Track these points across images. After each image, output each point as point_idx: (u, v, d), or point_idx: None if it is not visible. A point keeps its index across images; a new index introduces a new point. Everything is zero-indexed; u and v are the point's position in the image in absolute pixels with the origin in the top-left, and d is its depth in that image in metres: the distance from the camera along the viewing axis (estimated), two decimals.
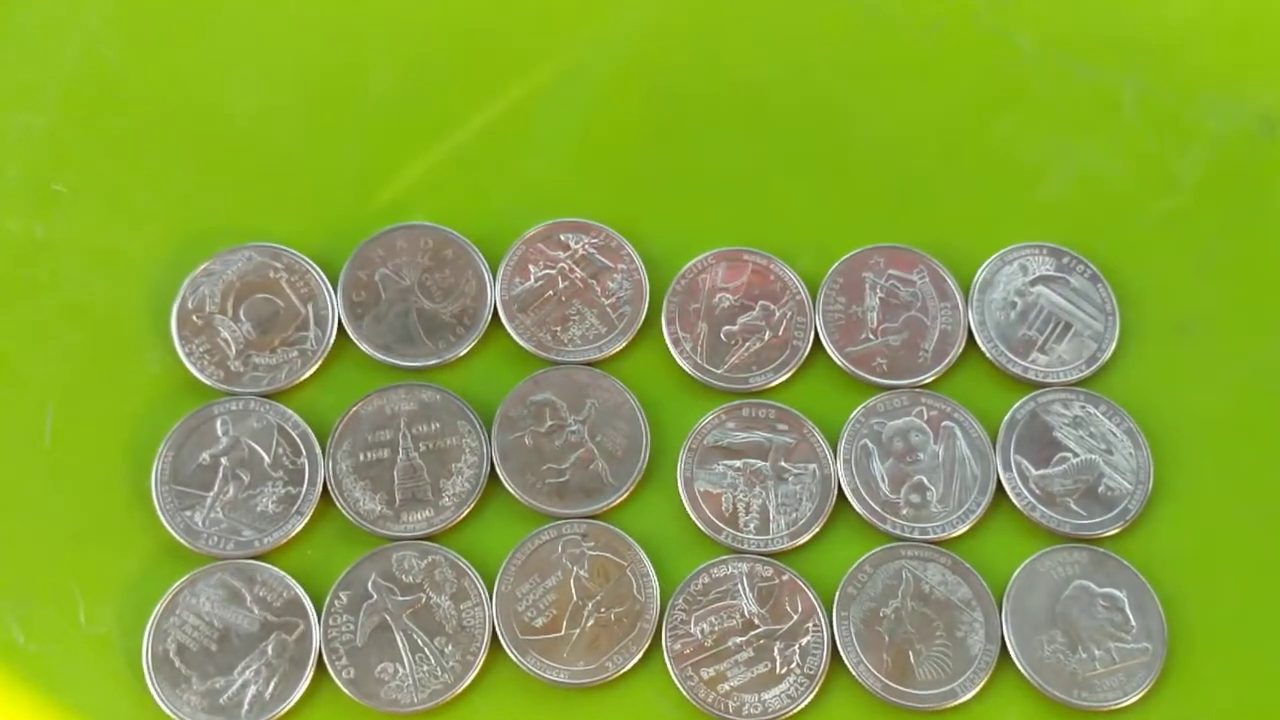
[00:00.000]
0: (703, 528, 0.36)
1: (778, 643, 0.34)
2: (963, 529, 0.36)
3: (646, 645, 0.34)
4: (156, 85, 0.40)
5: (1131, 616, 0.35)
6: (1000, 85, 0.41)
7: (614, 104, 0.41)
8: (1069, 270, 0.39)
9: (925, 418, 0.37)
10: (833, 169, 0.40)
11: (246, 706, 0.33)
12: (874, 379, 0.37)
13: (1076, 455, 0.37)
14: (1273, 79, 0.41)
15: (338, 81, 0.40)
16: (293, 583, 0.35)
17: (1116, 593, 0.35)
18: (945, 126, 0.41)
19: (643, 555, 0.35)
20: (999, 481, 0.36)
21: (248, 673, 0.34)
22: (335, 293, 0.38)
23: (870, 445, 0.37)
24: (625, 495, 0.36)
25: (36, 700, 0.34)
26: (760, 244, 0.39)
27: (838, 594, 0.35)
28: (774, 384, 0.37)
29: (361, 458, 0.36)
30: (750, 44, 0.41)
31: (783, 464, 0.36)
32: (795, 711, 0.34)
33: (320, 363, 0.37)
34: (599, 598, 0.35)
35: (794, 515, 0.36)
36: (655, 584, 0.35)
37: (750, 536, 0.36)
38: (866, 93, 0.41)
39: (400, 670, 0.34)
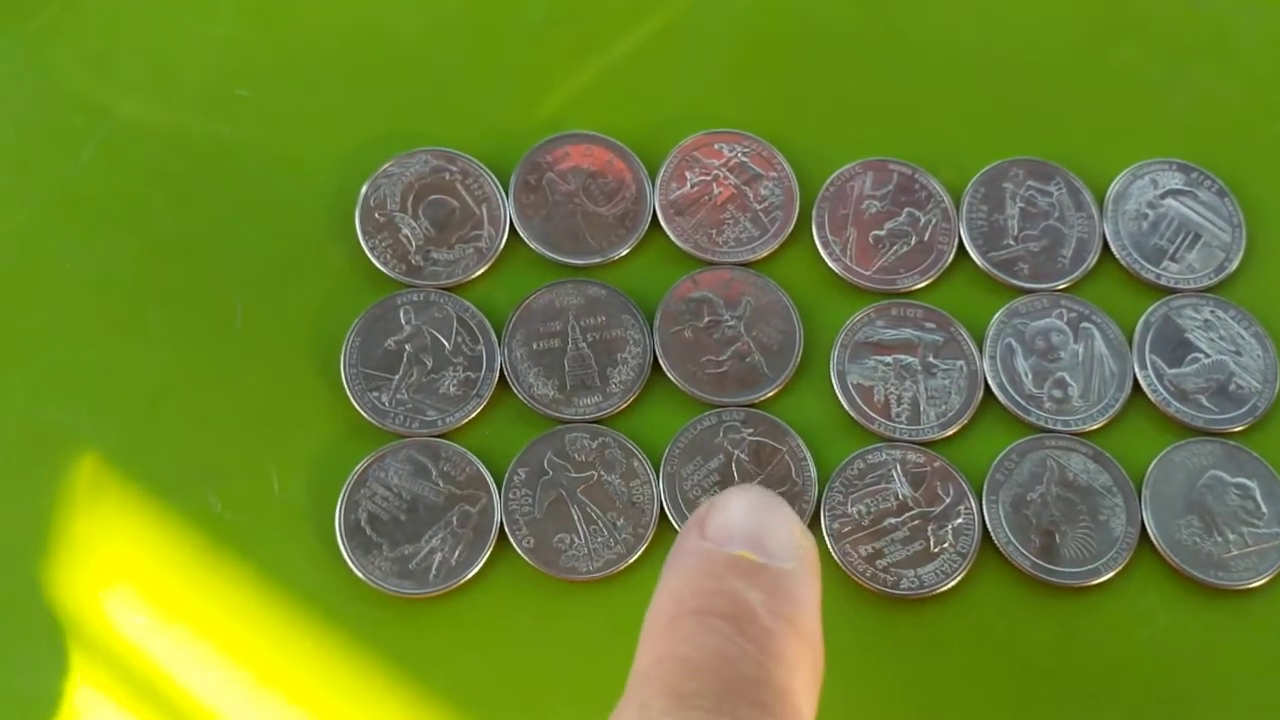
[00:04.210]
0: (856, 417, 0.38)
1: (931, 523, 0.37)
2: (1102, 422, 0.38)
3: (806, 524, 0.36)
4: (332, 5, 0.42)
5: (1263, 504, 0.37)
6: (1127, 11, 0.43)
7: (766, 18, 0.43)
8: (1197, 185, 0.41)
9: (1065, 319, 0.39)
10: (972, 85, 0.42)
11: (434, 571, 0.36)
12: (1016, 282, 0.39)
13: (1208, 356, 0.39)
14: None
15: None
16: (474, 459, 0.37)
17: (1248, 482, 0.37)
18: (1078, 49, 0.43)
19: (800, 441, 0.37)
20: (1135, 379, 0.38)
21: (434, 540, 0.36)
22: (507, 195, 0.40)
23: (1014, 344, 0.39)
24: (780, 386, 0.38)
25: (233, 565, 0.36)
26: (904, 155, 0.41)
27: (986, 480, 0.37)
28: (920, 286, 0.39)
29: (534, 346, 0.38)
30: None
31: (931, 359, 0.38)
32: (949, 586, 0.36)
33: (494, 259, 0.39)
34: (760, 479, 0.37)
35: (943, 407, 0.38)
36: (813, 468, 0.37)
37: (902, 426, 0.38)
38: (1003, 13, 0.43)
39: (576, 540, 0.36)
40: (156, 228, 0.40)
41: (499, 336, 0.38)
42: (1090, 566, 0.36)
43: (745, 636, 0.25)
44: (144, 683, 0.35)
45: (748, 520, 0.26)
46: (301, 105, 0.41)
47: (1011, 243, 0.40)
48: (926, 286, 0.40)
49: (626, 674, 0.35)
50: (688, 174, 0.40)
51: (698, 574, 0.26)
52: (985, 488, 0.37)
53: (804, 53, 0.42)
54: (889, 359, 0.38)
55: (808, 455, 0.37)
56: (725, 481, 0.37)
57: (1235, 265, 0.40)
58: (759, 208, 0.40)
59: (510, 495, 0.37)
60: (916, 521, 0.37)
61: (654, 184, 0.40)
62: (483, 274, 0.39)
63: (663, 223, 0.40)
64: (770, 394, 0.38)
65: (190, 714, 0.34)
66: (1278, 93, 0.43)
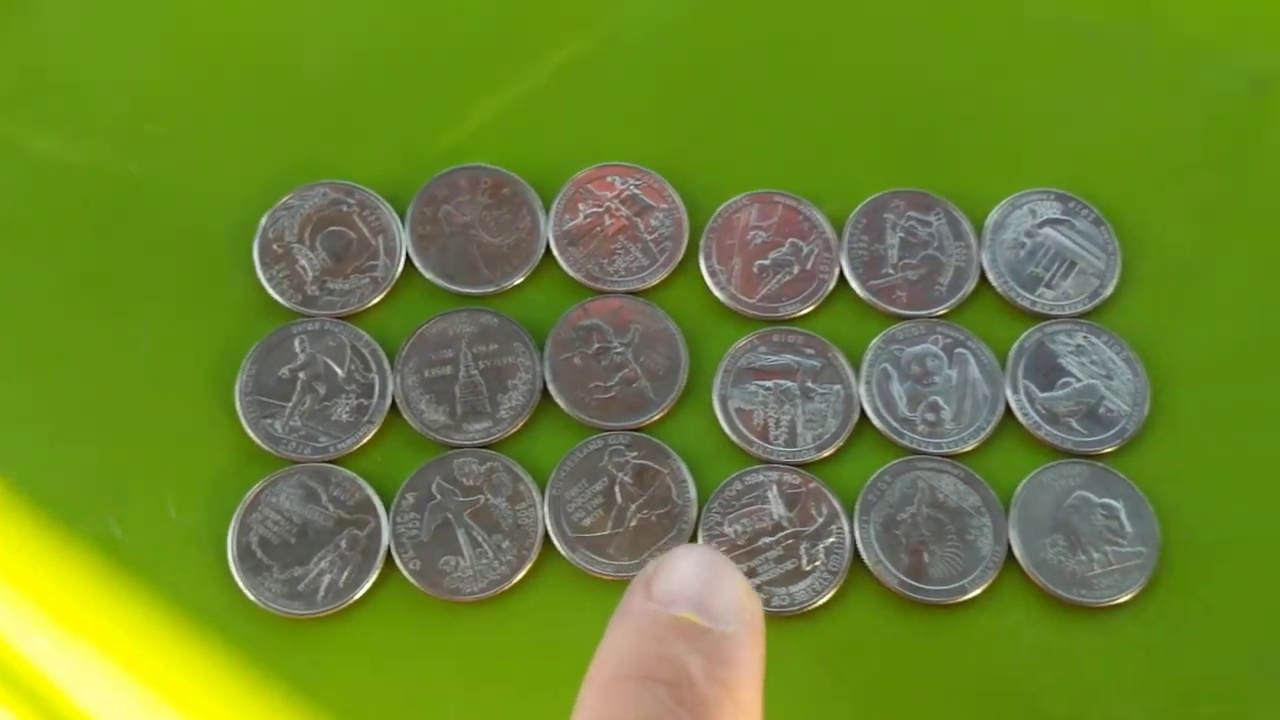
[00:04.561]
0: (736, 440, 0.39)
1: (804, 543, 0.38)
2: (973, 444, 0.39)
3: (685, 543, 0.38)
4: (240, 38, 0.44)
5: (1127, 523, 0.38)
6: (1014, 45, 0.45)
7: (658, 58, 0.44)
8: (1074, 214, 0.42)
9: (940, 345, 0.40)
10: (857, 120, 0.44)
11: (322, 593, 0.37)
12: (894, 309, 0.41)
13: (1079, 380, 0.40)
14: (1260, 44, 0.45)
15: (406, 37, 0.44)
16: (364, 484, 0.38)
17: (1113, 502, 0.38)
18: (963, 82, 0.44)
19: (681, 464, 0.39)
20: (1007, 403, 0.40)
21: (323, 563, 0.37)
22: (403, 226, 0.41)
23: (890, 369, 0.40)
24: (665, 411, 0.40)
25: (131, 586, 0.37)
26: (790, 188, 0.42)
27: (859, 500, 0.38)
28: (802, 313, 0.41)
29: (426, 374, 0.39)
30: (783, 5, 0.45)
31: (809, 384, 0.40)
32: (820, 604, 0.37)
33: (389, 289, 0.40)
34: (641, 501, 0.38)
35: (820, 430, 0.39)
36: (692, 489, 0.38)
37: (779, 449, 0.39)
38: (888, 50, 0.45)
39: (461, 563, 0.37)
40: (66, 260, 0.41)
41: (392, 364, 0.40)
42: (957, 584, 0.37)
43: (682, 705, 0.25)
44: (44, 703, 0.36)
45: (693, 582, 0.27)
46: (211, 139, 0.42)
47: (890, 271, 0.41)
48: (808, 314, 0.41)
49: (510, 692, 0.36)
50: (581, 206, 0.42)
51: (641, 636, 0.26)
52: (858, 508, 0.38)
53: (696, 89, 0.44)
54: (769, 384, 0.40)
55: (688, 477, 0.39)
56: (608, 504, 0.38)
57: (1109, 291, 0.41)
58: (649, 238, 0.42)
59: (398, 519, 0.38)
60: (790, 541, 0.38)
61: (548, 215, 0.42)
62: (378, 303, 0.40)
63: (556, 253, 0.41)
64: (655, 418, 0.40)
65: None
66: (1159, 123, 0.44)
